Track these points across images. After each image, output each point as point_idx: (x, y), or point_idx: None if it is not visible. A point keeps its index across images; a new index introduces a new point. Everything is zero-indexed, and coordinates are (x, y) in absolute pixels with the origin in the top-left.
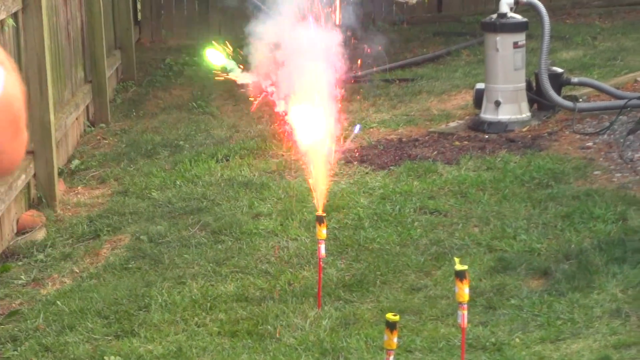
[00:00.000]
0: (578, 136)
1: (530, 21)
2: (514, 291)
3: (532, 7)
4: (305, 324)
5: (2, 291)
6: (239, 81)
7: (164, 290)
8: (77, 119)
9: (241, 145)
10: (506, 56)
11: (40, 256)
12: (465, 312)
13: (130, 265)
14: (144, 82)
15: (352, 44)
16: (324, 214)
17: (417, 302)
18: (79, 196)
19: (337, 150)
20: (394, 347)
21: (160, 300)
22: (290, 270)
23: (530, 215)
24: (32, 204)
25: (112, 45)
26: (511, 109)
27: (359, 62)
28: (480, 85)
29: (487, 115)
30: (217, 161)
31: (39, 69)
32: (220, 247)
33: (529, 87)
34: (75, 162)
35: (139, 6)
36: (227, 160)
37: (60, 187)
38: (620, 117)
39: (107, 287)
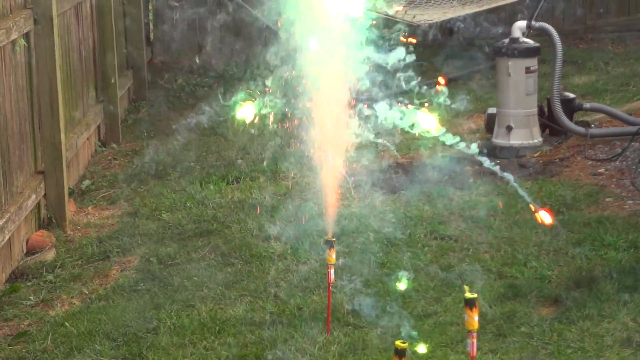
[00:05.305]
0: (590, 162)
1: (542, 46)
2: (524, 318)
3: (545, 32)
4: (314, 349)
5: (10, 312)
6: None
7: (172, 313)
8: (88, 139)
9: (252, 168)
10: (518, 81)
11: (50, 277)
12: (475, 341)
13: (139, 287)
14: (155, 103)
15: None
16: (334, 239)
17: (427, 329)
18: (89, 217)
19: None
20: None
21: (169, 323)
22: (300, 294)
23: (541, 241)
24: (42, 224)
25: (124, 66)
26: (523, 134)
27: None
28: (492, 110)
29: (499, 140)
30: (227, 183)
31: (50, 89)
32: (229, 270)
33: (540, 113)
34: (86, 182)
35: (151, 26)
36: (238, 182)
37: (70, 207)
38: (633, 143)
39: (116, 309)
